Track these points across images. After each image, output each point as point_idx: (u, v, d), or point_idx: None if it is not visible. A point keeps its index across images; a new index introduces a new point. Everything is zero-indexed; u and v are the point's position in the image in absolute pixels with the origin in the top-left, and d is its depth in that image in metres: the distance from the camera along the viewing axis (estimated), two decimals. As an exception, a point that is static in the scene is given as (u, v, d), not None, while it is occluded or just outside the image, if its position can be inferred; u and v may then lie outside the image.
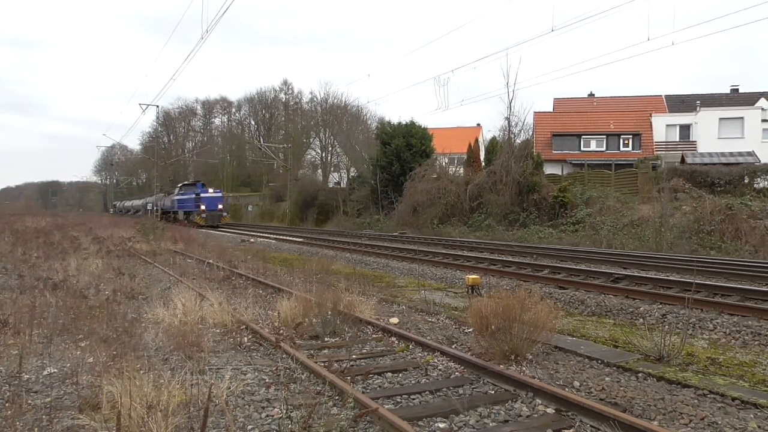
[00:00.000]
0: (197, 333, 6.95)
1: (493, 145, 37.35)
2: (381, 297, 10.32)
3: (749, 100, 44.97)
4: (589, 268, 13.55)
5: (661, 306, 9.20)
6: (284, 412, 4.30)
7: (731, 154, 33.50)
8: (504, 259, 16.16)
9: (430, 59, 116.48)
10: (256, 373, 5.76)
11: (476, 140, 41.91)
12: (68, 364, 5.94)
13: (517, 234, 26.04)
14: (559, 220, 26.30)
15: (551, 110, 49.04)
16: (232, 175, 72.90)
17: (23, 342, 6.60)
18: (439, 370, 5.94)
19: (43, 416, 4.52)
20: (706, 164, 30.38)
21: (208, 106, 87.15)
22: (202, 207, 43.25)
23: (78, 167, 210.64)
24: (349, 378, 5.32)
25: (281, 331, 7.22)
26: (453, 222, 30.28)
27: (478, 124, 63.18)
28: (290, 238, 27.79)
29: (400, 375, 5.79)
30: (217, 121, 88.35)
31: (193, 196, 44.62)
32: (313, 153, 64.83)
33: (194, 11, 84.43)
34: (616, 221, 24.04)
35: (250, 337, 7.36)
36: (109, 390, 4.50)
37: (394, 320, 8.34)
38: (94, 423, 4.23)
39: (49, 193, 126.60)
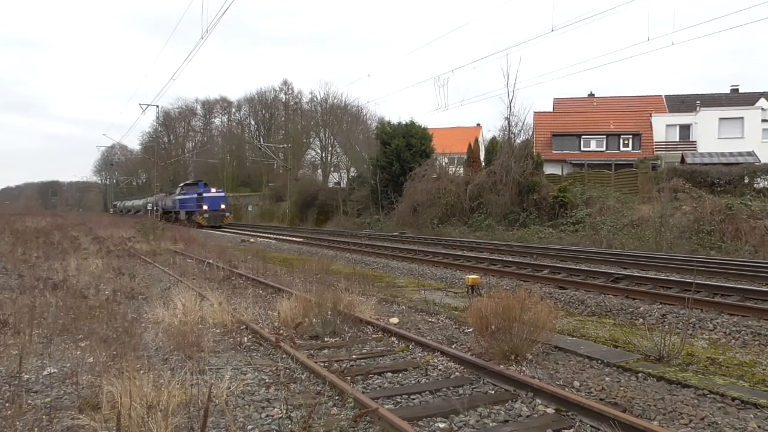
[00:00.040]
0: (197, 333, 6.95)
1: (493, 145, 37.36)
2: (381, 297, 10.32)
3: (749, 100, 44.98)
4: (589, 268, 13.55)
5: (661, 306, 9.20)
6: (284, 412, 4.30)
7: (731, 154, 33.50)
8: (504, 259, 16.16)
9: (430, 59, 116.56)
10: (256, 373, 5.76)
11: (476, 140, 41.94)
12: (68, 364, 5.94)
13: (517, 234, 26.04)
14: (559, 220, 26.30)
15: (551, 110, 49.04)
16: (232, 175, 72.87)
17: (23, 342, 6.60)
18: (439, 370, 5.94)
19: (43, 416, 4.52)
20: (706, 164, 30.38)
21: (208, 106, 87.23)
22: (205, 207, 42.78)
23: (78, 167, 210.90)
24: (349, 378, 5.32)
25: (281, 331, 7.22)
26: (453, 222, 30.29)
27: (478, 124, 63.26)
28: (290, 238, 27.79)
29: (400, 375, 5.79)
30: (217, 121, 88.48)
31: (195, 195, 44.06)
32: (313, 153, 64.84)
33: (194, 11, 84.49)
34: (616, 221, 24.04)
35: (250, 337, 7.36)
36: (109, 390, 4.50)
37: (394, 320, 8.34)
38: (94, 423, 4.23)
39: (49, 193, 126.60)
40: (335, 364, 5.72)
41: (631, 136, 41.86)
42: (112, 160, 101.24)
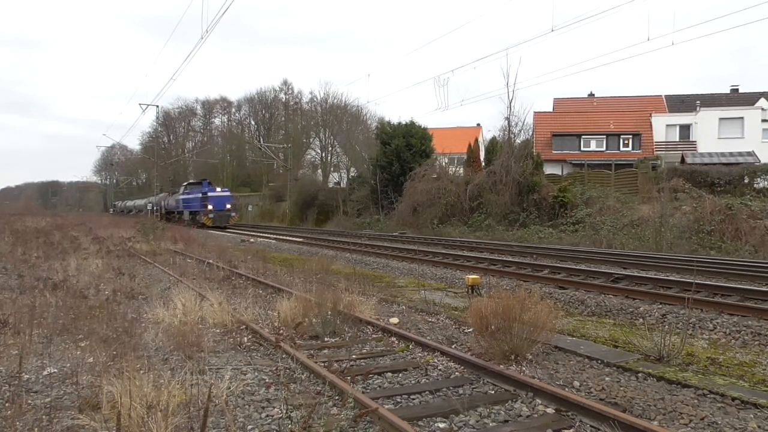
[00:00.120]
0: (197, 333, 6.95)
1: (493, 145, 37.36)
2: (381, 297, 10.32)
3: (749, 100, 44.98)
4: (589, 268, 13.55)
5: (661, 306, 9.20)
6: (284, 412, 4.30)
7: (731, 154, 33.49)
8: (504, 259, 16.16)
9: (430, 59, 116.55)
10: (256, 373, 5.76)
11: (476, 140, 41.94)
12: (68, 364, 5.94)
13: (517, 234, 26.04)
14: (559, 220, 26.30)
15: (551, 110, 49.04)
16: (232, 175, 72.88)
17: (23, 342, 6.60)
18: (439, 370, 5.94)
19: (43, 416, 4.52)
20: (706, 164, 30.37)
21: (208, 106, 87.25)
22: (210, 207, 41.48)
23: (78, 167, 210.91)
24: (349, 378, 5.32)
25: (281, 331, 7.22)
26: (453, 222, 30.29)
27: (478, 124, 63.25)
28: (290, 238, 27.79)
29: (400, 375, 5.79)
30: (217, 121, 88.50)
31: (200, 195, 42.86)
32: (313, 153, 64.84)
33: (194, 11, 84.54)
34: (616, 221, 24.04)
35: (250, 337, 7.36)
36: (109, 390, 4.50)
37: (394, 320, 8.34)
38: (94, 423, 4.23)
39: (49, 193, 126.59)
40: (335, 364, 5.72)
41: (631, 136, 41.86)
42: (112, 160, 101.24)
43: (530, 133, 33.76)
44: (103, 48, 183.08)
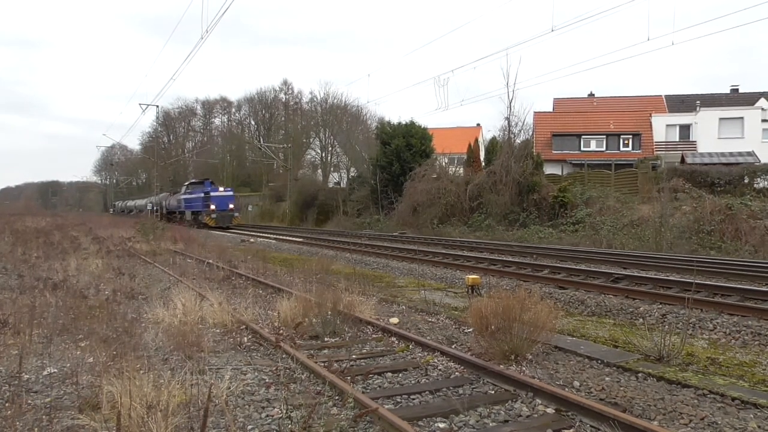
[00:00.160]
0: (197, 333, 6.95)
1: (493, 145, 37.36)
2: (381, 297, 10.32)
3: (749, 100, 44.98)
4: (589, 268, 13.55)
5: (661, 306, 9.20)
6: (284, 412, 4.30)
7: (731, 154, 33.50)
8: (504, 259, 16.16)
9: (430, 59, 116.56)
10: (256, 373, 5.76)
11: (476, 140, 41.94)
12: (68, 364, 5.94)
13: (517, 234, 26.04)
14: (559, 220, 26.31)
15: (551, 110, 49.04)
16: (232, 175, 72.85)
17: (23, 342, 6.60)
18: (439, 370, 5.94)
19: (43, 416, 4.52)
20: (706, 164, 30.38)
21: (208, 106, 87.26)
22: (212, 207, 40.87)
23: (78, 167, 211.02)
24: (349, 378, 5.32)
25: (281, 331, 7.22)
26: (453, 222, 30.29)
27: (478, 124, 63.25)
28: (290, 238, 27.80)
29: (400, 375, 5.79)
30: (217, 121, 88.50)
31: (202, 195, 42.04)
32: (313, 153, 64.83)
33: (194, 11, 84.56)
34: (616, 221, 24.05)
35: (250, 337, 7.36)
36: (109, 390, 4.50)
37: (394, 320, 8.34)
38: (94, 423, 4.23)
39: (49, 193, 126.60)
40: (335, 364, 5.72)
41: (631, 136, 41.87)
42: (112, 160, 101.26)
43: (530, 133, 33.78)
44: (103, 48, 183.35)
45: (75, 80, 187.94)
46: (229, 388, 5.01)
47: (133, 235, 25.47)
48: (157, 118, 71.46)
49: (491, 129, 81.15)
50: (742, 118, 39.28)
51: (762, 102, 42.75)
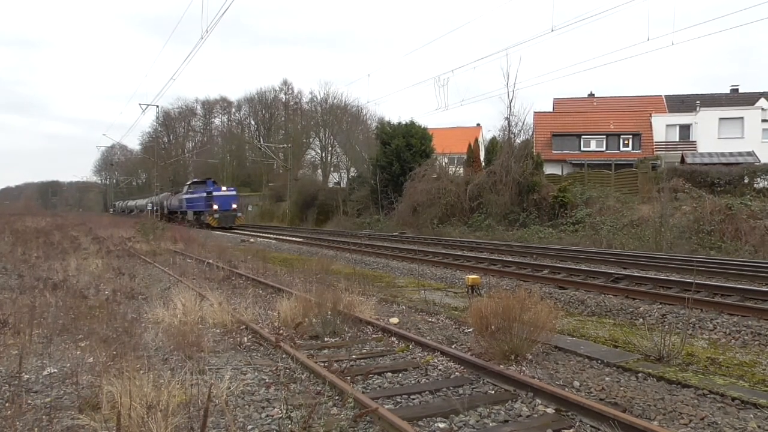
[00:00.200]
0: (197, 333, 6.95)
1: (493, 145, 37.37)
2: (381, 297, 10.32)
3: (749, 100, 44.98)
4: (589, 268, 13.55)
5: (661, 306, 9.20)
6: (284, 412, 4.30)
7: (731, 154, 33.50)
8: (504, 259, 16.16)
9: (430, 59, 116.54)
10: (256, 373, 5.76)
11: (476, 140, 41.93)
12: (68, 364, 5.94)
13: (517, 234, 26.04)
14: (559, 220, 26.31)
15: (551, 110, 49.04)
16: (232, 175, 72.77)
17: (23, 342, 6.60)
18: (439, 370, 5.94)
19: (43, 416, 4.52)
20: (706, 164, 30.38)
21: (208, 106, 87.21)
22: (215, 207, 40.05)
23: (78, 167, 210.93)
24: (349, 378, 5.32)
25: (281, 331, 7.21)
26: (453, 222, 30.29)
27: (478, 124, 63.26)
28: (290, 238, 27.80)
29: (400, 375, 5.79)
30: (217, 121, 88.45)
31: (204, 194, 41.42)
32: (313, 153, 64.82)
33: (194, 11, 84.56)
34: (616, 221, 24.05)
35: (250, 337, 7.36)
36: (109, 390, 4.50)
37: (394, 320, 8.34)
38: (94, 423, 4.23)
39: (49, 193, 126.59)
40: (335, 364, 5.71)
41: (631, 136, 41.87)
42: (112, 160, 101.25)
43: (530, 133, 33.77)
44: (103, 48, 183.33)
45: (75, 80, 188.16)
46: (229, 388, 5.01)
47: (133, 235, 25.47)
48: (157, 118, 71.47)
49: (491, 129, 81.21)
50: (742, 118, 39.29)
51: (762, 102, 42.74)
